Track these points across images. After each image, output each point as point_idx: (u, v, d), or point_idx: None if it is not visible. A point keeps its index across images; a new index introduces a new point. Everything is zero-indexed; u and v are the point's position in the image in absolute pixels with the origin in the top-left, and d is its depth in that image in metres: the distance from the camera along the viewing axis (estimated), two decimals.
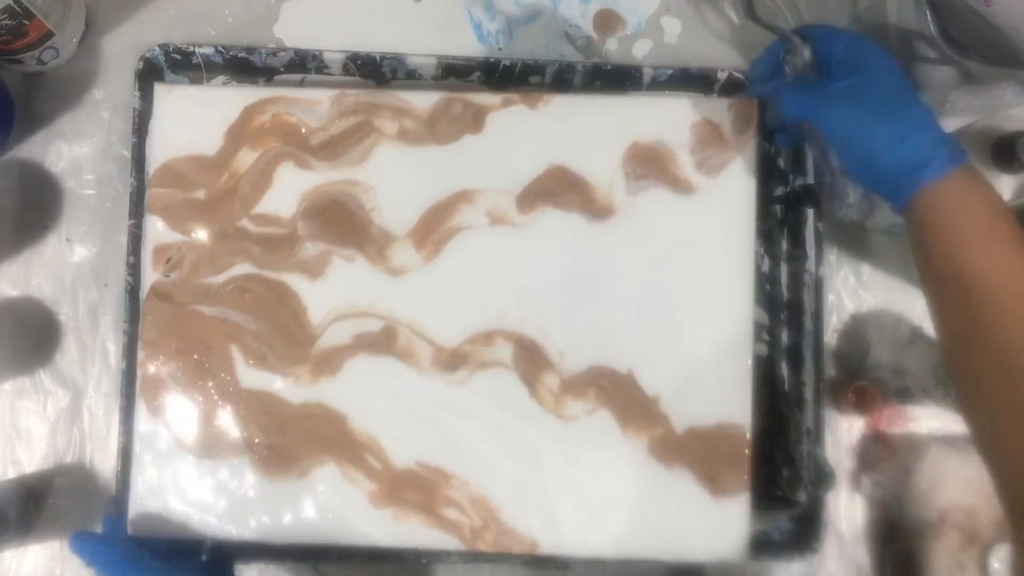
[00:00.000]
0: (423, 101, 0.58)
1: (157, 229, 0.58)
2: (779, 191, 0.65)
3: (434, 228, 0.57)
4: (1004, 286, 0.43)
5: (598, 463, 0.56)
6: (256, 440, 0.56)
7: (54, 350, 0.63)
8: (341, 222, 0.57)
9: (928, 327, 0.67)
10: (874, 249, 0.68)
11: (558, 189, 0.57)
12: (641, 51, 0.68)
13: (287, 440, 0.55)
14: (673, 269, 0.57)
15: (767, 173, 0.66)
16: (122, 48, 0.65)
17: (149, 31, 0.65)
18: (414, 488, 0.55)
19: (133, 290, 0.59)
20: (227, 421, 0.56)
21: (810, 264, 0.64)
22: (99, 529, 0.58)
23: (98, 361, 0.62)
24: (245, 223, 0.57)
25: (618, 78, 0.64)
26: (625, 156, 0.57)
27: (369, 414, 0.56)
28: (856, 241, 0.68)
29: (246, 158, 0.58)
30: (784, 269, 0.65)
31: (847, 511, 0.65)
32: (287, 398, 0.56)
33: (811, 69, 0.51)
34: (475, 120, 0.58)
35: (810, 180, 0.64)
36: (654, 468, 0.55)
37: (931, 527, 0.62)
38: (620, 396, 0.56)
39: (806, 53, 0.51)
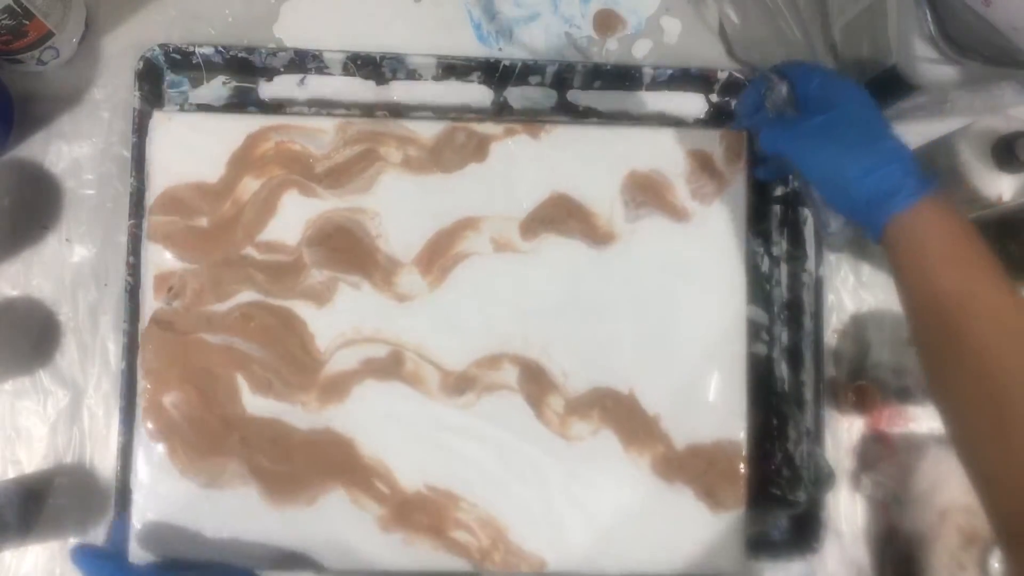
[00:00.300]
0: (427, 130, 0.59)
1: (159, 257, 0.57)
2: (779, 191, 0.66)
3: (440, 255, 0.58)
4: (972, 304, 0.46)
5: (603, 481, 0.57)
6: (263, 468, 0.55)
7: (54, 350, 0.63)
8: (347, 249, 0.57)
9: None
10: (874, 249, 0.67)
11: (560, 216, 0.58)
12: (641, 51, 0.68)
13: (294, 467, 0.55)
14: (670, 292, 0.58)
15: None
16: (122, 48, 0.65)
17: (149, 31, 0.65)
18: (423, 511, 0.55)
19: (133, 290, 0.59)
20: (233, 450, 0.55)
21: (810, 264, 0.64)
22: (100, 535, 0.58)
23: (98, 361, 0.62)
24: (249, 251, 0.57)
25: (618, 78, 0.64)
26: (624, 184, 0.59)
27: (377, 439, 0.56)
28: (856, 241, 0.68)
29: (249, 186, 0.58)
30: (784, 269, 0.65)
31: (847, 511, 0.65)
32: (294, 425, 0.56)
33: (789, 105, 0.53)
34: (479, 149, 0.58)
35: None
36: (656, 485, 0.56)
37: (931, 527, 0.62)
38: (623, 416, 0.57)
39: (783, 90, 0.53)
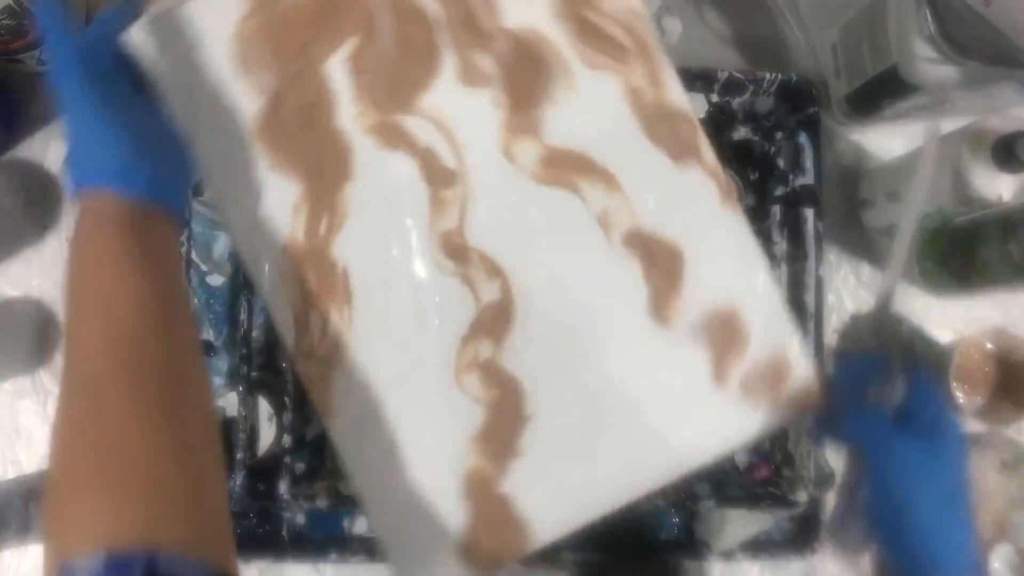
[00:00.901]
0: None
1: None
2: (779, 191, 0.65)
3: (566, 169, 0.53)
4: None
5: (431, 434, 0.52)
6: (283, 95, 0.51)
7: (54, 350, 0.63)
8: (527, 78, 0.53)
9: (929, 326, 0.67)
10: (874, 249, 0.68)
11: (663, 262, 0.53)
12: None
13: (295, 148, 0.52)
14: (645, 412, 0.53)
15: (767, 173, 0.66)
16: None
17: None
18: (313, 268, 0.52)
19: None
20: (289, 60, 0.51)
21: (810, 264, 0.64)
22: None
23: None
24: None
25: None
26: (716, 309, 0.53)
27: (368, 198, 0.52)
28: (856, 241, 0.68)
29: None
30: (784, 269, 0.65)
31: None
32: (339, 112, 0.52)
33: (891, 402, 0.47)
34: (689, 145, 0.55)
35: (810, 180, 0.64)
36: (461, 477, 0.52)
37: None
38: (507, 414, 0.52)
39: (899, 389, 0.47)
